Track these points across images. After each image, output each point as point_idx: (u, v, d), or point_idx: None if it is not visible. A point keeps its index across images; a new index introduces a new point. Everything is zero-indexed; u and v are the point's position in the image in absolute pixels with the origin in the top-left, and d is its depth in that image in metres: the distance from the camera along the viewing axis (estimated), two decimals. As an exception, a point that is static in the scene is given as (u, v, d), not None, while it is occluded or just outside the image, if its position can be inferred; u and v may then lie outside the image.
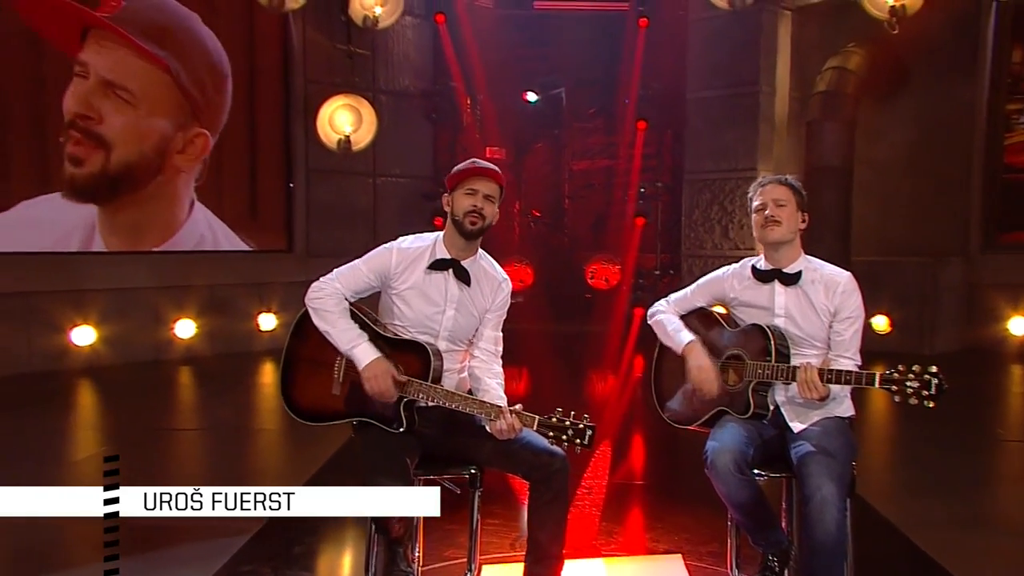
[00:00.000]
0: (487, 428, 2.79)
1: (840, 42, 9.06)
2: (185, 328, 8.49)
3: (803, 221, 3.06)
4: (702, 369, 3.05)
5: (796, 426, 2.96)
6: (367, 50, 9.39)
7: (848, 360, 2.94)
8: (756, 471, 2.92)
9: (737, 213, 9.44)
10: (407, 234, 3.10)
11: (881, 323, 8.77)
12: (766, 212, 3.00)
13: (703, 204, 9.78)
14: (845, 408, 3.02)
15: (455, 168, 3.03)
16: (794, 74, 9.72)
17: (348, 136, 8.36)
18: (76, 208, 7.87)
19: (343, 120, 8.37)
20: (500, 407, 2.76)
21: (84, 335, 7.88)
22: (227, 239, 8.86)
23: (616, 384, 7.46)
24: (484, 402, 2.82)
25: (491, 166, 3.01)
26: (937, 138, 8.97)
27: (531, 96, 11.25)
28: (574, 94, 11.09)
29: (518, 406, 2.77)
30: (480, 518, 3.03)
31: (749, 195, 3.11)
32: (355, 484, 2.59)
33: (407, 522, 2.94)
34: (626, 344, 8.38)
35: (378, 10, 8.38)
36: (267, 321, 8.96)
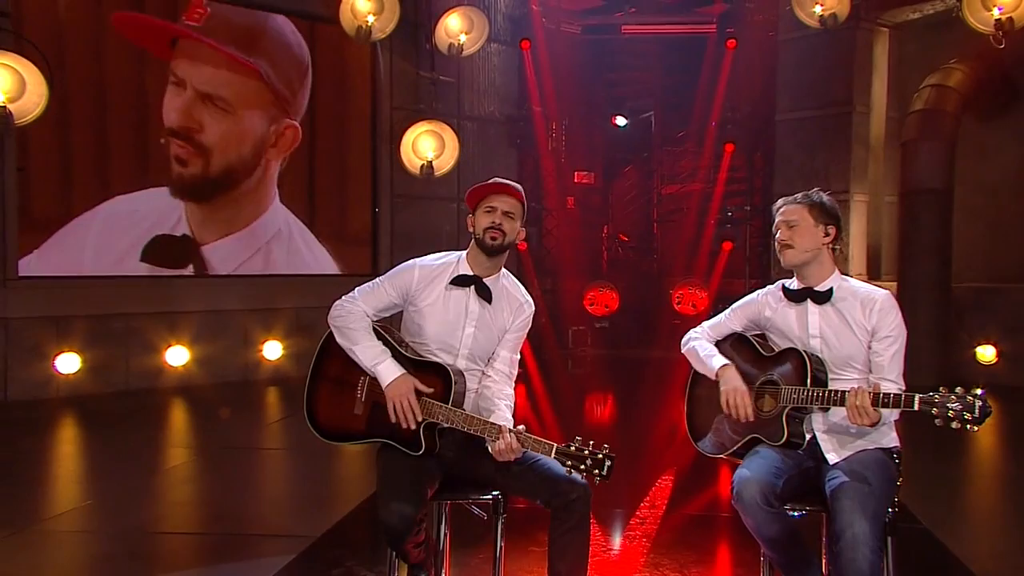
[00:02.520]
0: (489, 449, 2.73)
1: (942, 58, 8.63)
2: (272, 349, 8.74)
3: (826, 235, 2.88)
4: (736, 392, 2.89)
5: (832, 457, 2.78)
6: (452, 77, 9.52)
7: (891, 384, 2.74)
8: (789, 504, 2.76)
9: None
10: None
11: (988, 354, 8.27)
12: (777, 236, 2.89)
13: (794, 228, 9.43)
14: (889, 439, 2.83)
15: (473, 187, 3.02)
16: (892, 93, 9.35)
17: (431, 162, 8.46)
18: (163, 198, 8.19)
19: (426, 146, 8.48)
20: (499, 427, 2.71)
21: (178, 355, 8.20)
22: (302, 236, 9.04)
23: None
24: (489, 423, 2.75)
25: (509, 183, 2.98)
26: (1050, 157, 8.45)
27: (620, 120, 11.22)
28: (663, 118, 11.00)
29: (521, 427, 2.71)
30: (517, 544, 2.95)
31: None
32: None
33: (426, 548, 2.90)
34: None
35: (463, 38, 8.47)
36: (352, 344, 9.11)
